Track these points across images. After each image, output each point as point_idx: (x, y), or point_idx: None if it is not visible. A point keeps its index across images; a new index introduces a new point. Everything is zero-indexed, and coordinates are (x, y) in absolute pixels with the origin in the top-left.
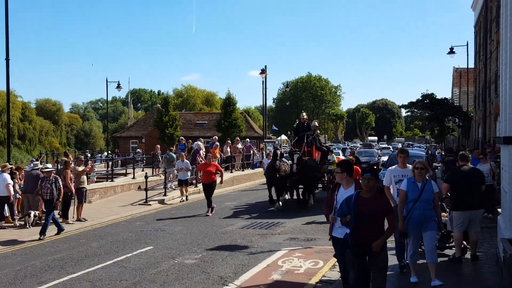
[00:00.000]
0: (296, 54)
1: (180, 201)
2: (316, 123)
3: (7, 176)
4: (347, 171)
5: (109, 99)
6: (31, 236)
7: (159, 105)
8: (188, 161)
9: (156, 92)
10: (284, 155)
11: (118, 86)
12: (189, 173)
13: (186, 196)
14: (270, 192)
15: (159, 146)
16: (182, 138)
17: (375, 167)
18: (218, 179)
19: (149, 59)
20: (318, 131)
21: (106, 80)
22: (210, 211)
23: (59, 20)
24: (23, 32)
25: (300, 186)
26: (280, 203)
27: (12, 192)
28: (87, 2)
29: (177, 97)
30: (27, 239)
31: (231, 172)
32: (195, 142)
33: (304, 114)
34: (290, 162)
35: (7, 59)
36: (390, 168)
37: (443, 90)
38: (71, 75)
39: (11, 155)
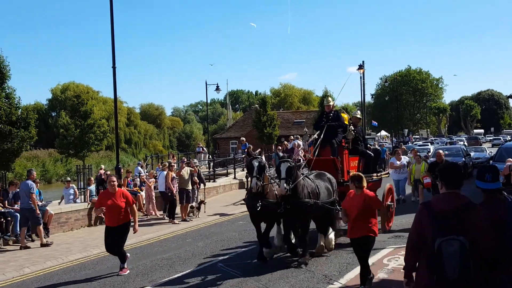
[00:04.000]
0: (394, 48)
1: None
2: (358, 115)
3: (166, 174)
4: None
5: (208, 101)
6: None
7: (257, 105)
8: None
9: (254, 93)
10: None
11: (217, 88)
12: None
13: None
14: (258, 229)
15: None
16: (243, 138)
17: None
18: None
19: (247, 60)
20: (352, 128)
21: (206, 83)
22: (120, 269)
23: (158, 26)
24: (125, 38)
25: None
26: (276, 242)
27: (174, 189)
28: (180, 8)
29: (275, 96)
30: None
31: None
32: (293, 141)
33: (329, 99)
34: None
35: (114, 67)
36: None
37: None
38: (172, 79)
39: (119, 158)
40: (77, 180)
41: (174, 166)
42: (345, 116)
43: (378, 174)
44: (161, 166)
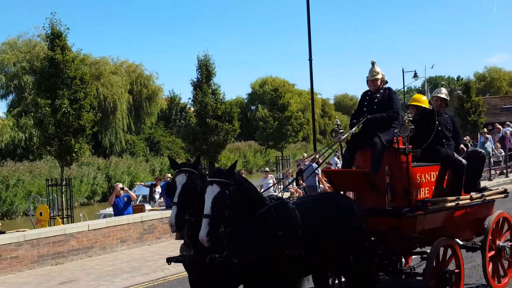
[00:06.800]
0: None
1: None
2: (443, 94)
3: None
4: None
5: (405, 89)
6: None
7: (459, 92)
8: None
9: (455, 78)
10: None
11: (415, 75)
12: None
13: None
14: None
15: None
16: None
17: None
18: None
19: (446, 44)
20: (409, 116)
21: (402, 70)
22: None
23: (349, 17)
24: (319, 29)
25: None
26: None
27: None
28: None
29: (479, 81)
30: None
31: None
32: (504, 128)
33: (376, 69)
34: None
35: (310, 60)
36: None
37: None
38: (366, 67)
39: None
40: (276, 170)
41: None
42: (421, 98)
43: (478, 194)
44: None
